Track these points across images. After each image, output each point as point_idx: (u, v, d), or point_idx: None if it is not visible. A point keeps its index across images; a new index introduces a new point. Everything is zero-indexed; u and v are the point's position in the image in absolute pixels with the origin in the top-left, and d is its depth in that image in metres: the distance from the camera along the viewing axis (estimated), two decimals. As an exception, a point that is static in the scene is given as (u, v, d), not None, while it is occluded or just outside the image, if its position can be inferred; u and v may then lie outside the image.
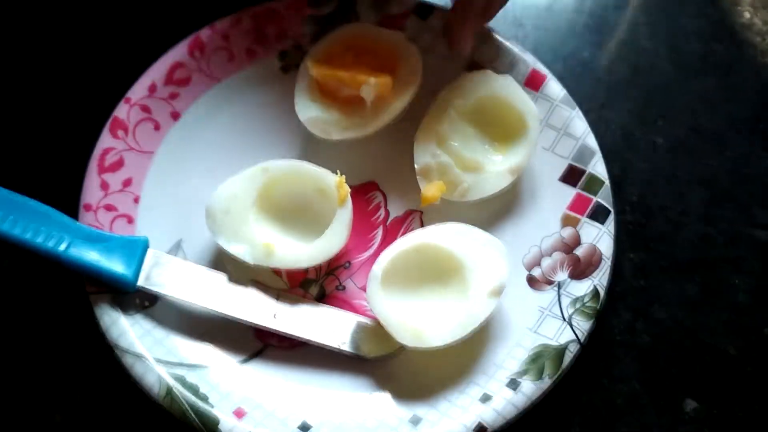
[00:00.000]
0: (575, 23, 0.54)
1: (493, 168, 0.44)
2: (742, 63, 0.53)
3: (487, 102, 0.45)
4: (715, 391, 0.42)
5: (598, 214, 0.44)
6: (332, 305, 0.43)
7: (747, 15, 0.55)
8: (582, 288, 0.42)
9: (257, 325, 0.42)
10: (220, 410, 0.39)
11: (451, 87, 0.45)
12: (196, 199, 0.44)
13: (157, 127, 0.46)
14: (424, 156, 0.44)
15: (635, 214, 0.47)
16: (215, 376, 0.41)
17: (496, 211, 0.45)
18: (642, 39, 0.54)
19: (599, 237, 0.43)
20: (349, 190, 0.43)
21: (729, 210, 0.48)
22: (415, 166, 0.44)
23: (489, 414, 0.38)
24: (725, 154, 0.49)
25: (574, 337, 0.40)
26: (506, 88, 0.45)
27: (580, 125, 0.46)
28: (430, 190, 0.43)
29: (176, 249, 0.44)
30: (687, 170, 0.49)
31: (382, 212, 0.46)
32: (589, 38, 0.54)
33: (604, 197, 0.44)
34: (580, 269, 0.42)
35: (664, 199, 0.48)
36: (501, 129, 0.45)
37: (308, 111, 0.45)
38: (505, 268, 0.40)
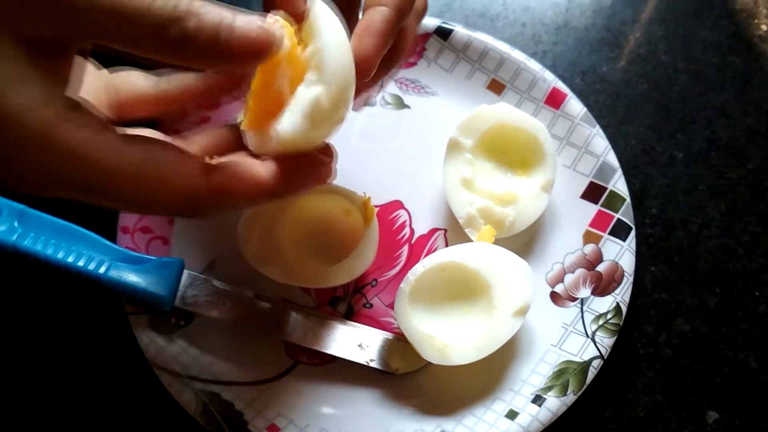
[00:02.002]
0: (593, 38, 0.55)
1: (527, 193, 0.45)
2: (760, 76, 0.53)
3: (494, 133, 0.46)
4: (737, 402, 0.43)
5: (620, 231, 0.45)
6: (360, 322, 0.44)
7: (764, 27, 0.55)
8: (605, 304, 0.43)
9: (288, 342, 0.43)
10: (254, 426, 0.40)
11: (457, 129, 0.46)
12: (228, 220, 0.45)
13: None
14: (461, 208, 0.45)
15: (656, 227, 0.48)
16: (249, 393, 0.42)
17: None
18: (659, 53, 0.54)
19: (621, 254, 0.44)
20: (376, 209, 0.44)
21: (749, 222, 0.48)
22: (459, 220, 0.45)
23: (515, 429, 0.40)
24: (745, 167, 0.50)
25: (597, 354, 0.41)
26: (506, 113, 0.46)
27: (601, 143, 0.47)
28: (484, 237, 0.44)
29: (209, 270, 0.45)
30: (706, 183, 0.50)
31: (407, 231, 0.47)
32: (607, 53, 0.55)
33: (625, 214, 0.45)
34: (603, 286, 0.43)
35: (684, 212, 0.49)
36: (516, 154, 0.46)
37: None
38: (530, 288, 0.41)
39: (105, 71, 0.39)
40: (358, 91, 0.35)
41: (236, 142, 0.36)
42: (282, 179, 0.33)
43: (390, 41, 0.36)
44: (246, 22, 0.30)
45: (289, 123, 0.32)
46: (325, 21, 0.33)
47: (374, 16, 0.35)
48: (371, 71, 0.35)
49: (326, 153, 0.36)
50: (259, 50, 0.30)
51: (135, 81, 0.39)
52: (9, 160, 0.28)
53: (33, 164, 0.28)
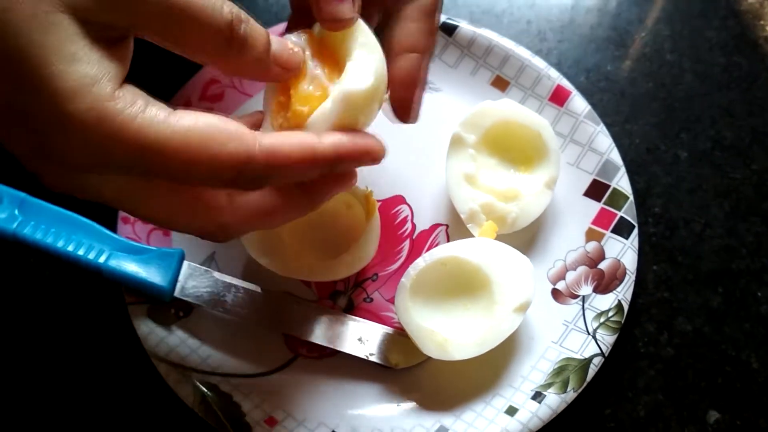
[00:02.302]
0: (598, 37, 0.55)
1: (530, 189, 0.45)
2: (766, 76, 0.53)
3: (498, 129, 0.46)
4: (738, 402, 0.43)
5: (622, 229, 0.44)
6: (360, 317, 0.44)
7: (771, 28, 0.55)
8: (606, 302, 0.43)
9: (288, 335, 0.43)
10: (252, 419, 0.40)
11: (460, 125, 0.46)
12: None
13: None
14: (464, 203, 0.45)
15: (659, 226, 0.48)
16: (247, 385, 0.42)
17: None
18: (665, 52, 0.54)
19: (623, 252, 0.44)
20: (378, 204, 0.44)
21: (753, 222, 0.48)
22: (461, 216, 0.45)
23: (514, 426, 0.39)
24: (750, 167, 0.50)
25: (598, 351, 0.41)
26: (510, 110, 0.46)
27: (605, 141, 0.47)
28: (486, 233, 0.44)
29: (210, 261, 0.45)
30: (711, 183, 0.49)
31: (408, 226, 0.47)
32: (613, 51, 0.54)
33: (628, 212, 0.45)
34: (605, 283, 0.43)
35: (687, 211, 0.49)
36: (519, 150, 0.46)
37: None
38: (532, 284, 0.41)
39: None
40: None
41: None
42: (336, 147, 0.33)
43: (425, 82, 0.39)
44: (280, 41, 0.34)
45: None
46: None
47: (413, 63, 0.38)
48: (417, 116, 0.39)
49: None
50: (294, 67, 0.34)
51: None
52: (56, 144, 0.29)
53: (81, 145, 0.29)
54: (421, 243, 0.46)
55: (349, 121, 0.34)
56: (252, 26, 0.32)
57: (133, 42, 0.32)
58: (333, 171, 0.33)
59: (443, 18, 0.51)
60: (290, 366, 0.43)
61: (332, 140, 0.33)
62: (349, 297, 0.45)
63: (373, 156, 0.34)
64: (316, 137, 0.32)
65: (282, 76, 0.34)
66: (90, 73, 0.28)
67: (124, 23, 0.29)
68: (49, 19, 0.28)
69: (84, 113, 0.28)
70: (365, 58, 0.34)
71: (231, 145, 0.30)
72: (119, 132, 0.28)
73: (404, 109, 0.38)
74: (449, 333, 0.41)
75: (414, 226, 0.47)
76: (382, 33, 0.38)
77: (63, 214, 0.42)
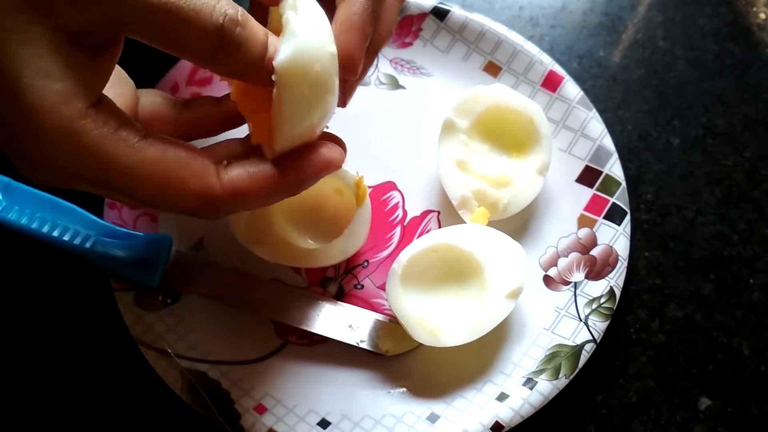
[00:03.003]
0: (591, 23, 0.55)
1: (522, 176, 0.44)
2: (758, 64, 0.53)
3: (490, 115, 0.45)
4: (729, 389, 0.43)
5: (615, 215, 0.44)
6: (350, 303, 0.43)
7: (763, 16, 0.55)
8: (598, 288, 0.42)
9: (277, 322, 0.42)
10: (241, 406, 0.40)
11: (452, 110, 0.45)
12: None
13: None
14: (455, 189, 0.44)
15: (651, 213, 0.48)
16: (236, 373, 0.41)
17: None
18: (658, 39, 0.54)
19: (615, 238, 0.43)
20: (369, 189, 0.43)
21: (744, 210, 0.48)
22: (453, 202, 0.44)
23: (506, 412, 0.39)
24: (742, 154, 0.50)
25: (590, 337, 0.41)
26: (502, 95, 0.45)
27: (597, 126, 0.46)
28: (477, 219, 0.43)
29: (198, 247, 0.45)
30: (702, 170, 0.49)
31: (399, 212, 0.46)
32: (605, 38, 0.54)
33: (620, 198, 0.45)
34: (597, 270, 0.43)
35: (679, 198, 0.48)
36: (511, 136, 0.46)
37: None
38: (523, 270, 0.41)
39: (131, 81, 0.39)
40: (348, 85, 0.35)
41: (247, 154, 0.36)
42: (290, 169, 0.33)
43: (370, 32, 0.35)
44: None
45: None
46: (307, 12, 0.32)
47: (351, 8, 0.34)
48: (358, 68, 0.34)
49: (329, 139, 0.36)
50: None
51: (158, 100, 0.39)
52: (29, 151, 0.29)
53: (52, 157, 0.29)
54: (412, 229, 0.46)
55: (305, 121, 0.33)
56: (250, 30, 0.30)
57: (120, 47, 0.31)
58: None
59: (435, 2, 0.50)
60: (280, 353, 0.42)
61: (286, 168, 0.33)
62: (339, 283, 0.44)
63: (335, 166, 0.34)
64: (272, 166, 0.33)
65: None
66: (62, 90, 0.28)
67: (101, 26, 0.29)
68: (26, 30, 0.28)
69: (54, 130, 0.28)
70: (297, 16, 0.32)
71: (193, 183, 0.30)
72: (87, 151, 0.29)
73: (347, 62, 0.33)
74: (440, 320, 0.40)
75: (405, 213, 0.46)
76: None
77: (48, 199, 0.41)
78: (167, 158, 0.30)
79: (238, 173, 0.32)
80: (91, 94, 0.29)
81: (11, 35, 0.27)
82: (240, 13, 0.30)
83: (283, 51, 0.31)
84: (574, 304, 0.42)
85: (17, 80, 0.27)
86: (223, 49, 0.30)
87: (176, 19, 0.28)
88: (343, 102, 0.37)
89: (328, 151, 0.34)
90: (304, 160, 0.33)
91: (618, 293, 0.42)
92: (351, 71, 0.34)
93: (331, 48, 0.32)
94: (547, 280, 0.44)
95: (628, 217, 0.44)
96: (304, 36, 0.31)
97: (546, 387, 0.40)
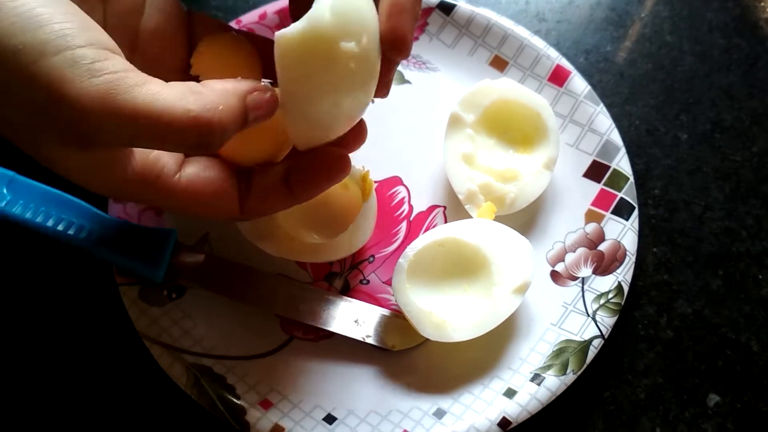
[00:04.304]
0: (598, 17, 0.54)
1: (529, 170, 0.44)
2: (766, 58, 0.52)
3: (496, 109, 0.45)
4: (738, 385, 0.42)
5: (623, 210, 0.44)
6: (356, 298, 0.43)
7: (771, 9, 0.55)
8: (606, 284, 0.42)
9: (283, 317, 0.42)
10: (246, 401, 0.40)
11: (459, 104, 0.45)
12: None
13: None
14: (462, 183, 0.44)
15: (659, 208, 0.47)
16: (242, 368, 0.41)
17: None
18: (665, 33, 0.54)
19: (623, 233, 0.43)
20: (375, 184, 0.43)
21: (753, 205, 0.48)
22: (459, 196, 0.44)
23: (513, 408, 0.39)
24: (750, 149, 0.49)
25: (598, 333, 0.41)
26: (509, 89, 0.45)
27: (605, 121, 0.46)
28: (484, 214, 0.43)
29: (203, 242, 0.44)
30: (711, 165, 0.49)
31: (405, 207, 0.46)
32: (612, 32, 0.54)
33: (628, 193, 0.44)
34: (604, 265, 0.43)
35: (687, 193, 0.48)
36: (518, 130, 0.45)
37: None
38: (531, 265, 0.40)
39: None
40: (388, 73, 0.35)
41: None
42: (300, 184, 0.35)
43: (419, 13, 0.34)
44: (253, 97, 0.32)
45: None
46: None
47: None
48: (410, 49, 0.33)
49: (345, 143, 0.37)
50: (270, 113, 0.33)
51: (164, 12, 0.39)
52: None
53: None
54: (418, 225, 0.46)
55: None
56: (224, 110, 0.30)
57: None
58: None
59: (441, -4, 0.50)
60: (285, 348, 0.42)
61: (296, 183, 0.35)
62: (345, 278, 0.44)
63: (342, 176, 0.37)
64: (291, 194, 0.35)
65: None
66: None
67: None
68: None
69: None
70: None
71: (220, 205, 0.34)
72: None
73: (396, 40, 0.32)
74: (447, 314, 0.40)
75: (411, 208, 0.46)
76: None
77: (53, 193, 0.41)
78: (202, 179, 0.33)
79: (257, 199, 0.35)
80: None
81: None
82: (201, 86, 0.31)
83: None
84: (581, 299, 0.42)
85: None
86: (203, 138, 0.30)
87: (147, 135, 0.29)
88: (386, 89, 0.36)
89: (336, 163, 0.36)
90: (315, 186, 0.36)
91: (626, 288, 0.42)
92: (403, 51, 0.33)
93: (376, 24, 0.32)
94: (555, 276, 0.44)
95: (636, 212, 0.44)
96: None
97: (553, 383, 0.39)
